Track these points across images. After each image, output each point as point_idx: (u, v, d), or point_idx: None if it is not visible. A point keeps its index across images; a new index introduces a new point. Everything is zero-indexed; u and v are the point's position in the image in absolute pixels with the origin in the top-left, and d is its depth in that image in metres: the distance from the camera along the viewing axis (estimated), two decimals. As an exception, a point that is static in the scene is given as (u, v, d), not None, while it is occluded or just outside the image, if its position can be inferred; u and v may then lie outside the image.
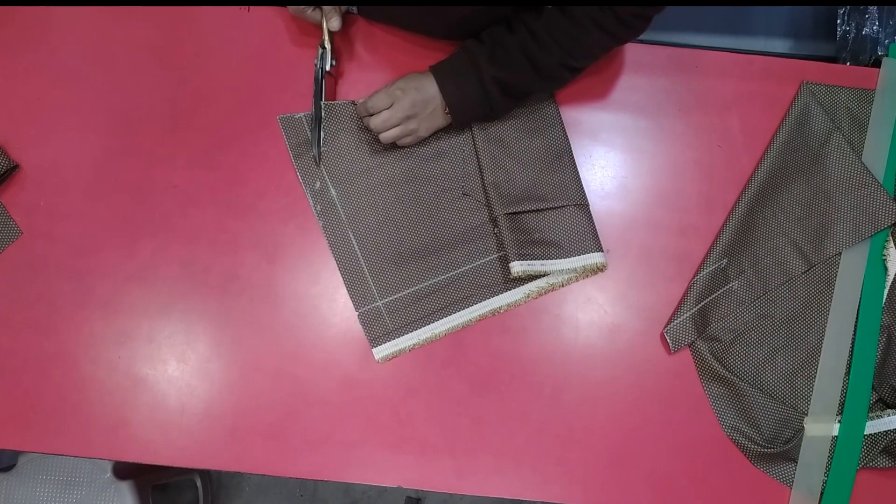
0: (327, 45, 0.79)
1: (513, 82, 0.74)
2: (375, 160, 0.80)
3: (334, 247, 0.78)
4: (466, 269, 0.78)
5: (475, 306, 0.78)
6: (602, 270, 0.79)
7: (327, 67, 0.79)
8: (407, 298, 0.77)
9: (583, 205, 0.79)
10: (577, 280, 0.79)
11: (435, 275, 0.78)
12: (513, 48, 0.72)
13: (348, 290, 0.77)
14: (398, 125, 0.75)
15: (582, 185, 0.80)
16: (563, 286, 0.79)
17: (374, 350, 0.76)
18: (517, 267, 0.75)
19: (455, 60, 0.75)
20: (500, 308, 0.78)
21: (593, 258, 0.78)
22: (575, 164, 0.81)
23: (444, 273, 0.78)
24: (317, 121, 0.79)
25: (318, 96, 0.79)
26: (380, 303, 0.77)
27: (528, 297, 0.78)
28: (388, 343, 0.76)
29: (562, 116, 0.82)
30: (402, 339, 0.77)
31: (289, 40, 0.83)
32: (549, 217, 0.78)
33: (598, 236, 0.79)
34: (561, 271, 0.78)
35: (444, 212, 0.79)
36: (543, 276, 0.78)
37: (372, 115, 0.75)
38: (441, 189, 0.80)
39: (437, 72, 0.75)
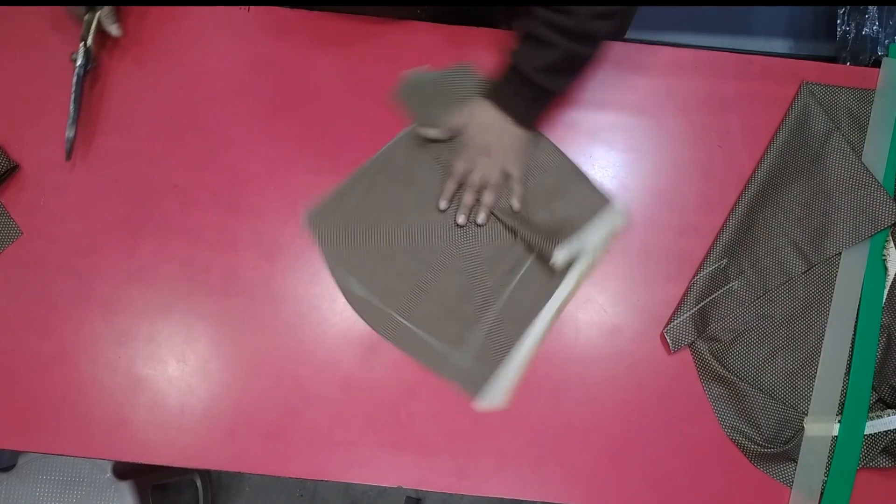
0: (89, 43, 0.78)
1: (556, 60, 0.72)
2: (370, 238, 0.79)
3: (392, 338, 0.77)
4: (513, 285, 0.78)
5: (542, 314, 0.77)
6: (624, 222, 0.80)
7: (85, 67, 0.78)
8: (482, 340, 0.76)
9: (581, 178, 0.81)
10: (609, 245, 0.79)
11: (488, 306, 0.77)
12: (539, 29, 0.71)
13: (437, 371, 0.76)
14: (487, 167, 0.77)
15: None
16: (600, 258, 0.79)
17: (495, 400, 0.75)
18: (560, 256, 0.74)
19: (500, 77, 0.76)
20: (562, 305, 0.77)
21: (612, 211, 0.80)
22: (583, 174, 0.81)
23: (495, 298, 0.77)
24: (73, 122, 0.77)
25: (76, 100, 0.78)
26: (469, 361, 0.76)
27: (579, 282, 0.78)
28: (500, 388, 0.75)
29: (551, 139, 0.83)
30: (506, 377, 0.76)
31: (289, 40, 0.83)
32: (559, 204, 0.79)
33: (603, 190, 0.80)
34: (595, 241, 0.78)
35: (463, 247, 0.79)
36: (582, 257, 0.78)
37: (460, 181, 0.78)
38: (449, 226, 0.79)
39: (491, 95, 0.76)
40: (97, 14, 0.78)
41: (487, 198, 0.78)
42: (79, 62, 0.77)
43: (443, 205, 0.79)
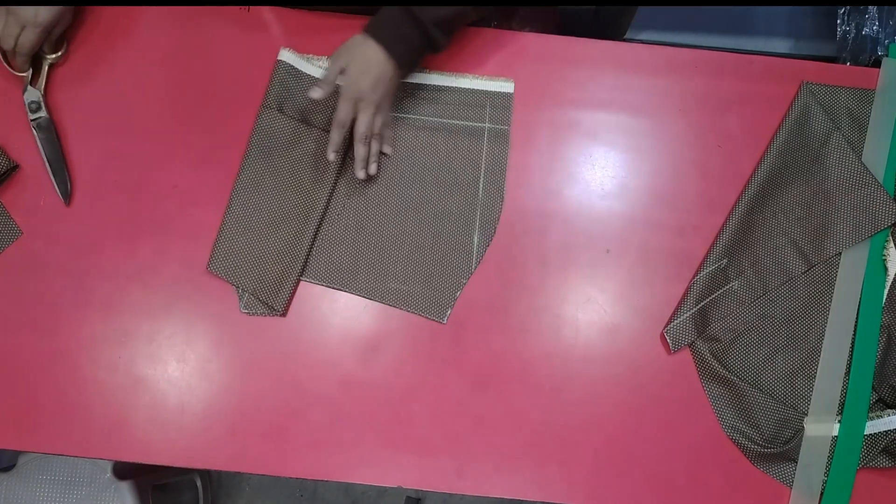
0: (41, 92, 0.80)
1: (450, 16, 0.73)
2: (282, 237, 0.79)
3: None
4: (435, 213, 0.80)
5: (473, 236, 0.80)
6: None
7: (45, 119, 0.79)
8: (429, 269, 0.79)
9: None
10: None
11: (419, 242, 0.80)
12: None
13: (402, 307, 0.78)
14: (371, 116, 0.75)
15: None
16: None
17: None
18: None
19: (388, 16, 0.74)
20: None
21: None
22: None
23: (424, 233, 0.80)
24: (59, 174, 0.79)
25: (51, 153, 0.79)
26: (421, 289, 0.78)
27: None
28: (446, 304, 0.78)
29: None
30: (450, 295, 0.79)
31: (289, 40, 0.83)
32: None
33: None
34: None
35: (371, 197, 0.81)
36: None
37: (345, 127, 0.75)
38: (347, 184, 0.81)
39: (376, 33, 0.73)
40: (45, 62, 0.81)
41: (375, 146, 0.77)
42: (31, 118, 0.79)
43: (331, 156, 0.76)
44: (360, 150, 0.76)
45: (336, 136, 0.75)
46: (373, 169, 0.78)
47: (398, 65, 0.74)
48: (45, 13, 0.75)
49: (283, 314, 0.77)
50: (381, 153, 0.80)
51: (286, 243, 0.77)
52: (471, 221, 0.80)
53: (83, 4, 0.83)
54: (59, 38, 0.80)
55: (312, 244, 0.78)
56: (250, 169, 0.79)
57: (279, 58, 0.81)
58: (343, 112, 0.74)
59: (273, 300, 0.76)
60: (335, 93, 0.78)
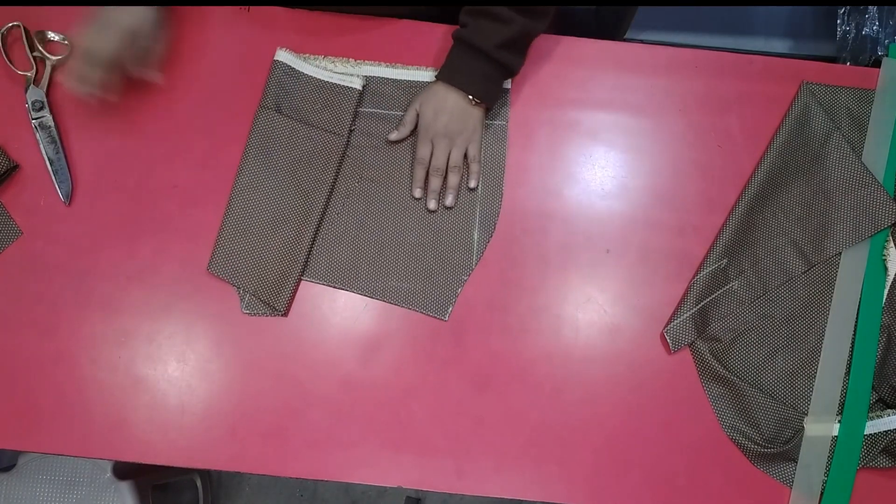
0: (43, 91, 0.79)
1: (512, 36, 0.74)
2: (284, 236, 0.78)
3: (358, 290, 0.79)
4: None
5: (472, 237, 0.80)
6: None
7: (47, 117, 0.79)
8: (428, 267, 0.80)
9: None
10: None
11: (421, 242, 0.80)
12: (494, 7, 0.72)
13: (403, 304, 0.78)
14: (446, 150, 0.78)
15: None
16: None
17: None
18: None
19: (455, 57, 0.76)
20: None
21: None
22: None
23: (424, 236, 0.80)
24: (61, 175, 0.79)
25: (54, 152, 0.79)
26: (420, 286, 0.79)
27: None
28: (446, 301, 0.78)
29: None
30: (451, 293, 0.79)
31: (290, 40, 0.83)
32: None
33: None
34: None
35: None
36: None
37: (429, 168, 0.78)
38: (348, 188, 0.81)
39: (448, 77, 0.77)
40: (48, 64, 0.80)
41: (453, 179, 0.79)
42: (33, 117, 0.79)
43: (417, 193, 0.79)
44: (433, 182, 0.79)
45: (418, 174, 0.79)
46: (449, 201, 0.79)
47: (478, 100, 0.77)
48: (128, 16, 0.71)
49: (285, 314, 0.77)
50: (469, 188, 0.81)
51: (286, 243, 0.77)
52: (470, 218, 0.80)
53: (85, 4, 0.83)
54: (145, 52, 0.74)
55: (313, 244, 0.78)
56: (249, 170, 0.79)
57: (276, 58, 0.81)
58: (421, 150, 0.78)
59: (274, 300, 0.76)
60: (341, 98, 0.79)
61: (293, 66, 0.81)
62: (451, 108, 0.77)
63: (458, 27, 0.76)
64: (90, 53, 0.70)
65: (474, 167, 0.80)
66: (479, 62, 0.75)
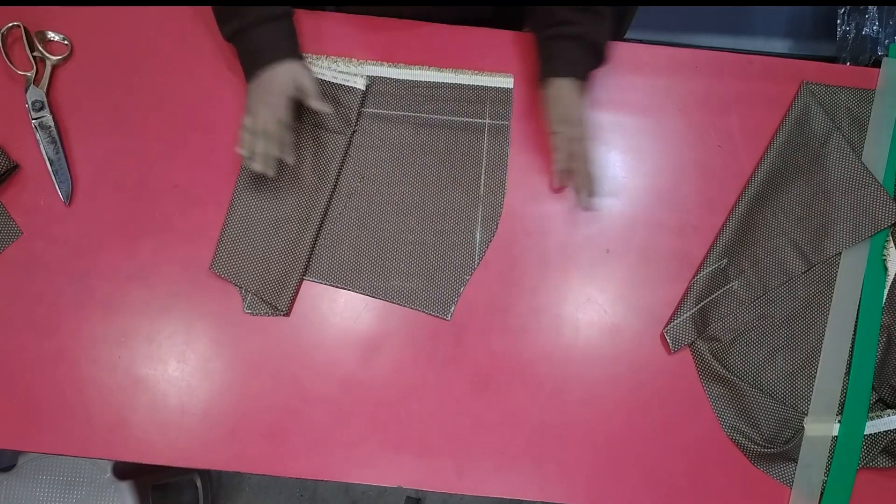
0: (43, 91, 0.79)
1: (607, 35, 0.78)
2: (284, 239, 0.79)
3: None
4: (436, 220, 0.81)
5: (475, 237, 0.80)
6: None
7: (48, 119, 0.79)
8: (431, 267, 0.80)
9: None
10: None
11: (422, 243, 0.80)
12: (600, 7, 0.76)
13: (405, 304, 0.78)
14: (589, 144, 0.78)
15: None
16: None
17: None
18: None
19: (568, 51, 0.77)
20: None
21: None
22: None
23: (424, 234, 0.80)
24: (61, 174, 0.79)
25: (54, 151, 0.79)
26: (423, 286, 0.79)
27: None
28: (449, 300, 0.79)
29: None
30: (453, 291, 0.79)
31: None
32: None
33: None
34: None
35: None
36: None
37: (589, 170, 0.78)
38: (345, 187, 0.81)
39: (566, 71, 0.77)
40: (48, 64, 0.80)
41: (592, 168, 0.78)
42: (33, 117, 0.79)
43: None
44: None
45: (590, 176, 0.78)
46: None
47: (584, 88, 0.78)
48: (284, 79, 0.73)
49: (287, 314, 0.77)
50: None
51: (288, 243, 0.77)
52: (473, 217, 0.80)
53: (85, 5, 0.83)
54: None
55: (315, 243, 0.78)
56: (251, 169, 0.79)
57: None
58: (562, 140, 0.77)
59: (276, 300, 0.76)
60: (344, 98, 0.79)
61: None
62: (580, 104, 0.78)
63: (560, 25, 0.76)
64: (265, 132, 0.72)
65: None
66: (590, 58, 0.78)
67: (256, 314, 0.77)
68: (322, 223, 0.78)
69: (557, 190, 0.82)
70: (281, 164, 0.79)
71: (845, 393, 0.77)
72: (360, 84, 0.80)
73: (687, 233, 0.81)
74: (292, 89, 0.73)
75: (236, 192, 0.78)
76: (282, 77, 0.73)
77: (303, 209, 0.78)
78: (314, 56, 0.83)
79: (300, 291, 0.78)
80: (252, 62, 0.74)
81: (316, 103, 0.75)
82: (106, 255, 0.78)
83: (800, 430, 0.77)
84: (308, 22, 0.84)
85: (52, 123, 0.79)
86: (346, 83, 0.80)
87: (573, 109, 0.77)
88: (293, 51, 0.75)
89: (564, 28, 0.76)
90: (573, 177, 0.78)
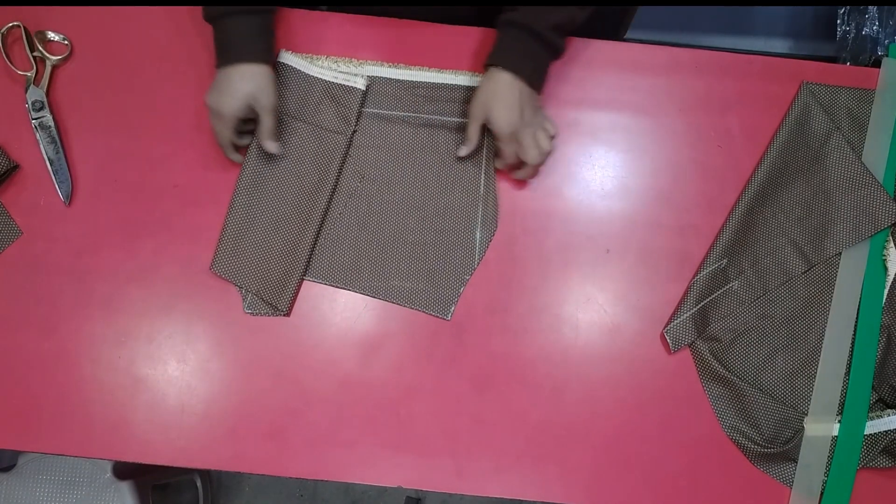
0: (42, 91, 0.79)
1: (563, 20, 0.73)
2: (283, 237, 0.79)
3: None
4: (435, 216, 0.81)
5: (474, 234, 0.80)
6: None
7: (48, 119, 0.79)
8: (429, 266, 0.80)
9: None
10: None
11: (421, 240, 0.81)
12: None
13: (404, 303, 0.78)
14: (532, 138, 0.75)
15: None
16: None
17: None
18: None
19: (507, 39, 0.74)
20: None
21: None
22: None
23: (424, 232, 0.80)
24: (61, 174, 0.79)
25: (54, 151, 0.79)
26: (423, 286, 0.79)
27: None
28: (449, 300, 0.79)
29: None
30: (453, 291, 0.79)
31: (290, 40, 0.83)
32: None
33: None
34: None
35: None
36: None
37: (517, 164, 0.77)
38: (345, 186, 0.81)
39: (502, 61, 0.73)
40: (48, 64, 0.80)
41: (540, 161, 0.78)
42: (33, 117, 0.79)
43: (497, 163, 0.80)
44: (529, 174, 0.79)
45: (519, 172, 0.79)
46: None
47: (530, 83, 0.74)
48: (248, 83, 0.73)
49: (287, 314, 0.77)
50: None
51: (289, 243, 0.77)
52: (473, 217, 0.80)
53: (85, 5, 0.83)
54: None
55: (315, 243, 0.78)
56: (252, 168, 0.79)
57: (279, 59, 0.81)
58: (509, 153, 0.76)
59: (277, 300, 0.76)
60: (344, 98, 0.79)
61: (297, 66, 0.81)
62: (521, 98, 0.73)
63: (505, 12, 0.74)
64: (216, 113, 0.73)
65: (550, 136, 0.78)
66: (529, 44, 0.73)
67: (257, 314, 0.77)
68: (322, 223, 0.78)
69: (520, 183, 0.82)
70: (280, 163, 0.79)
71: (845, 393, 0.77)
72: (361, 84, 0.80)
73: (687, 233, 0.81)
74: (250, 98, 0.72)
75: (236, 192, 0.78)
76: (242, 83, 0.72)
77: (303, 209, 0.78)
78: (314, 56, 0.83)
79: (300, 292, 0.78)
80: (221, 53, 0.74)
81: (268, 143, 0.76)
82: (106, 255, 0.78)
83: (800, 430, 0.77)
84: (307, 22, 0.84)
85: (52, 123, 0.79)
86: (347, 83, 0.80)
87: (498, 105, 0.73)
88: (263, 53, 0.74)
89: (505, 15, 0.74)
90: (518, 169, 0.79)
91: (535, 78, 0.75)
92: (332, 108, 0.80)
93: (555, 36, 0.74)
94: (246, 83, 0.72)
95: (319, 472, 0.74)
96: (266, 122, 0.75)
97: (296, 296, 0.77)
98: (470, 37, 0.85)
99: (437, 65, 0.83)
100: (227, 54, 0.73)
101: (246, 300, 0.77)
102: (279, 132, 0.78)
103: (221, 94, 0.73)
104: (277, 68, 0.81)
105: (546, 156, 0.77)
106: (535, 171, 0.79)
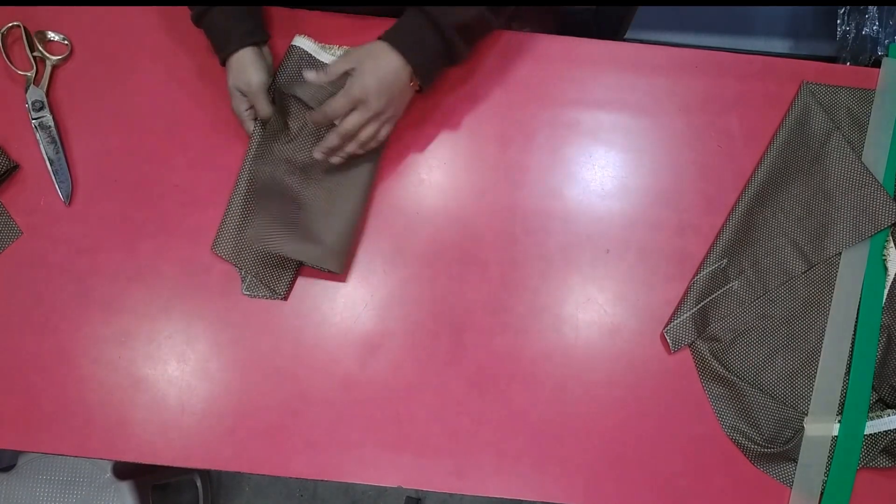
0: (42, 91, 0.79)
1: (472, 21, 0.72)
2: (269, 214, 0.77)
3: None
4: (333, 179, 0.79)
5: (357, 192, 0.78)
6: None
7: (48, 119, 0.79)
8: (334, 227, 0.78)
9: None
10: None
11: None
12: None
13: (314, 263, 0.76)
14: (365, 121, 0.72)
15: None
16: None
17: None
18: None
19: (408, 22, 0.72)
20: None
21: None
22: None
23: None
24: (61, 174, 0.79)
25: (54, 151, 0.79)
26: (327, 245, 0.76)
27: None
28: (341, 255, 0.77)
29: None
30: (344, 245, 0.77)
31: (287, 41, 0.83)
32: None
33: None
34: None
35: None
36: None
37: (335, 122, 0.72)
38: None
39: (394, 39, 0.71)
40: (48, 64, 0.80)
41: (351, 147, 0.74)
42: (33, 117, 0.79)
43: (318, 155, 0.74)
44: (331, 140, 0.73)
45: (327, 134, 0.74)
46: (334, 160, 0.75)
47: (415, 72, 0.72)
48: (235, 80, 0.75)
49: (285, 298, 0.77)
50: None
51: (289, 225, 0.76)
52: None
53: (85, 5, 0.83)
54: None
55: (309, 227, 0.77)
56: (257, 149, 0.78)
57: (293, 43, 0.80)
58: (338, 106, 0.71)
59: (276, 284, 0.76)
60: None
61: (311, 52, 0.81)
62: (389, 75, 0.71)
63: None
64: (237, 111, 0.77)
65: (380, 147, 0.77)
66: (430, 37, 0.71)
67: (255, 296, 0.77)
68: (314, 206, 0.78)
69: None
70: (286, 145, 0.79)
71: (845, 393, 0.77)
72: None
73: (687, 233, 0.81)
74: (243, 84, 0.75)
75: (241, 174, 0.78)
76: (232, 71, 0.75)
77: (297, 192, 0.78)
78: (328, 45, 0.82)
79: (300, 291, 0.78)
80: (216, 50, 0.76)
81: (262, 105, 0.75)
82: (106, 255, 0.78)
83: (800, 430, 0.77)
84: (307, 22, 0.84)
85: (52, 123, 0.79)
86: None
87: (371, 67, 0.70)
88: (246, 37, 0.74)
89: (417, 6, 0.72)
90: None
91: (423, 72, 0.73)
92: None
93: (457, 37, 0.72)
94: (231, 77, 0.75)
95: (319, 472, 0.74)
96: (256, 104, 0.76)
97: (294, 281, 0.77)
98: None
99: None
100: (216, 49, 0.76)
101: (245, 281, 0.77)
102: (272, 106, 0.77)
103: (230, 85, 0.76)
104: (289, 52, 0.81)
105: (360, 146, 0.74)
106: (336, 148, 0.74)
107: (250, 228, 0.76)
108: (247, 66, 0.74)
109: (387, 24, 0.82)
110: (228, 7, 0.74)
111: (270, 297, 0.77)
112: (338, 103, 0.71)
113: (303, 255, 0.75)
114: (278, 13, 0.84)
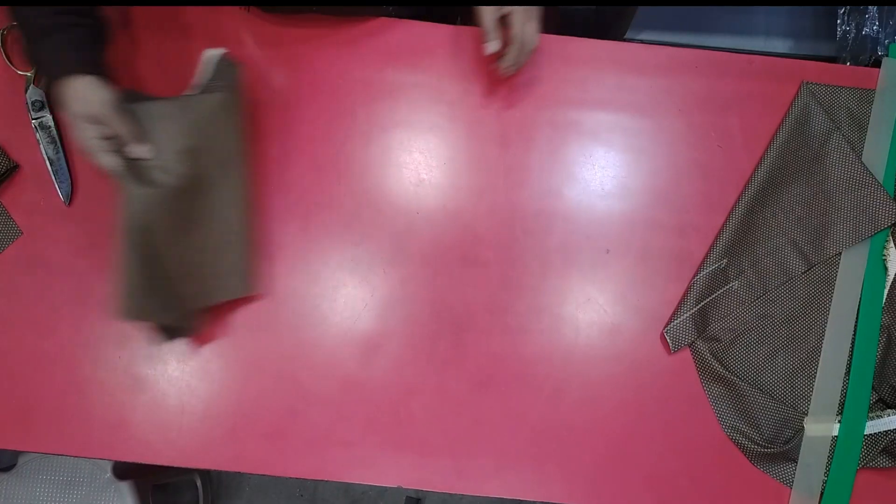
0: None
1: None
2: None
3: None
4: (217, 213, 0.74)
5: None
6: None
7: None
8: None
9: None
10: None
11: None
12: None
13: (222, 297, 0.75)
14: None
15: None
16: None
17: None
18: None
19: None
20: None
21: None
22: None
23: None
24: (62, 175, 0.78)
25: (55, 151, 0.77)
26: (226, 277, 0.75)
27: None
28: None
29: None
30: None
31: (287, 41, 0.83)
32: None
33: None
34: None
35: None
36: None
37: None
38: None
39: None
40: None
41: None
42: (33, 117, 0.78)
43: (510, 72, 0.78)
44: (522, 58, 0.76)
45: (509, 53, 0.75)
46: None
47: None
48: (75, 105, 0.64)
49: (197, 335, 0.75)
50: None
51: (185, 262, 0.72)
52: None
53: (85, 5, 0.83)
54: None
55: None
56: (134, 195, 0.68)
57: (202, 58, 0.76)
58: (534, 30, 0.74)
59: (192, 321, 0.74)
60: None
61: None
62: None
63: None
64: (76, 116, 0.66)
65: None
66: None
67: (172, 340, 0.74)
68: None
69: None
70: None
71: (845, 393, 0.77)
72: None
73: (687, 233, 0.81)
74: (93, 112, 0.65)
75: (126, 228, 0.67)
76: (70, 100, 0.65)
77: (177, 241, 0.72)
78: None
79: (300, 291, 0.78)
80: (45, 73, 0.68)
81: (135, 147, 0.67)
82: (106, 255, 0.78)
83: (800, 430, 0.77)
84: (306, 22, 0.84)
85: (52, 123, 0.79)
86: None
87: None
88: (86, 64, 0.66)
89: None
90: None
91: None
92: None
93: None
94: (72, 101, 0.65)
95: (319, 472, 0.74)
96: (114, 125, 0.66)
97: (206, 314, 0.76)
98: (471, 39, 0.85)
99: (408, 61, 0.83)
100: (48, 73, 0.68)
101: (160, 336, 0.72)
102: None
103: (70, 116, 0.66)
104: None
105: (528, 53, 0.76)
106: (520, 63, 0.76)
107: (147, 298, 0.69)
108: (93, 89, 0.65)
109: (388, 26, 0.82)
110: (57, 36, 0.65)
111: (187, 336, 0.75)
112: (534, 27, 0.74)
113: (205, 301, 0.74)
114: (276, 12, 0.84)
